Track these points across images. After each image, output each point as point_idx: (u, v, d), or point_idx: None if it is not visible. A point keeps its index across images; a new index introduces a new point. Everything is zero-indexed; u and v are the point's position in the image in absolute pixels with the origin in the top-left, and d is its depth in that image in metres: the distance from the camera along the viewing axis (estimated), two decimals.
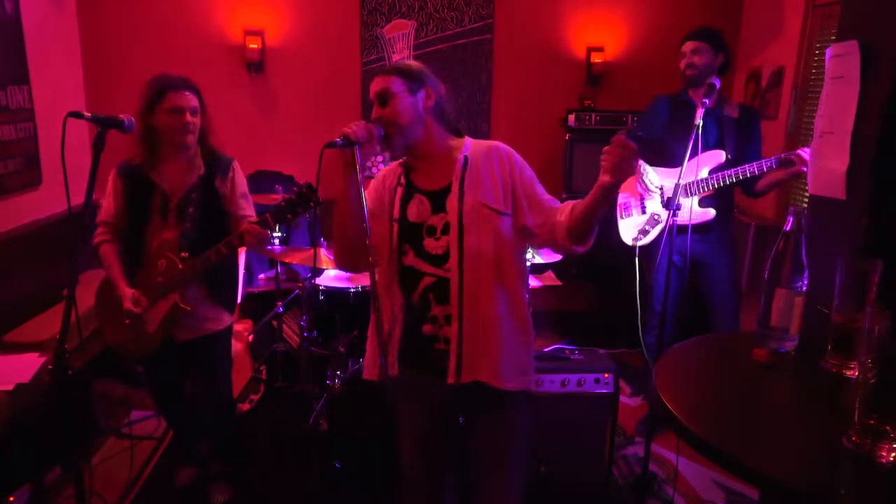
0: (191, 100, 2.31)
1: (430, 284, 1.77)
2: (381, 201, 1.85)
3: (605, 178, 1.57)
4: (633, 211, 3.14)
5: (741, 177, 2.86)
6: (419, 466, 1.94)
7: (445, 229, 1.75)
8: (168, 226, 2.38)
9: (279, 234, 3.91)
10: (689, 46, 2.98)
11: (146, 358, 2.50)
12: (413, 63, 1.85)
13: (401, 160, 1.87)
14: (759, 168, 2.82)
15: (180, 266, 2.33)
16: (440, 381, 1.77)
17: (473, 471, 1.90)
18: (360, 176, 1.64)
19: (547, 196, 1.80)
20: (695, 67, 2.94)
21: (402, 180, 1.83)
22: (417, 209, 1.79)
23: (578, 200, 1.70)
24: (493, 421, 1.84)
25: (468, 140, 1.85)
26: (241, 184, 2.49)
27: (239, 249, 2.51)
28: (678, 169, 2.58)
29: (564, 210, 1.74)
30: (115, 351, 2.52)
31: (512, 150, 1.83)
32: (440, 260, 1.75)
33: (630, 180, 3.16)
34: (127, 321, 2.39)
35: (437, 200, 1.77)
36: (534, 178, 1.81)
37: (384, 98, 1.76)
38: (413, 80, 1.78)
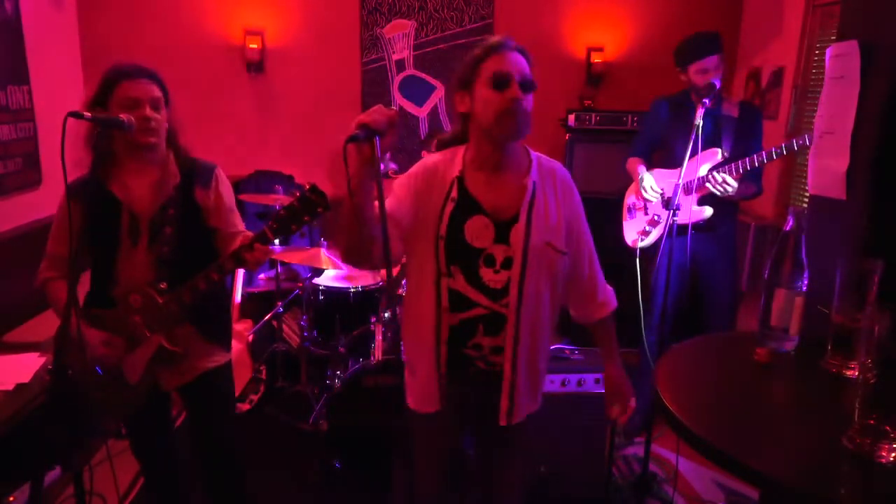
0: (150, 89, 1.86)
1: (482, 316, 1.62)
2: (415, 207, 1.62)
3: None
4: (637, 213, 3.15)
5: (733, 173, 2.82)
6: (445, 488, 1.81)
7: (507, 264, 1.60)
8: (139, 251, 1.92)
9: None
10: (712, 62, 2.86)
11: (131, 415, 2.09)
12: None
13: (458, 170, 1.63)
14: (748, 164, 2.78)
15: (160, 300, 1.88)
16: (484, 397, 1.69)
17: (489, 488, 1.85)
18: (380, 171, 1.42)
19: (589, 258, 1.76)
20: (717, 82, 2.82)
21: (455, 194, 1.61)
22: (480, 233, 1.60)
23: (605, 328, 1.86)
24: (511, 450, 1.81)
25: (532, 153, 1.70)
26: (228, 194, 2.05)
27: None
28: (678, 170, 2.58)
29: (595, 300, 1.81)
30: (94, 414, 2.01)
31: (574, 186, 1.72)
32: (497, 294, 1.61)
33: (636, 184, 3.18)
34: (100, 374, 1.95)
35: (502, 229, 1.60)
36: (586, 230, 1.74)
37: (530, 83, 1.56)
38: (532, 76, 1.59)
